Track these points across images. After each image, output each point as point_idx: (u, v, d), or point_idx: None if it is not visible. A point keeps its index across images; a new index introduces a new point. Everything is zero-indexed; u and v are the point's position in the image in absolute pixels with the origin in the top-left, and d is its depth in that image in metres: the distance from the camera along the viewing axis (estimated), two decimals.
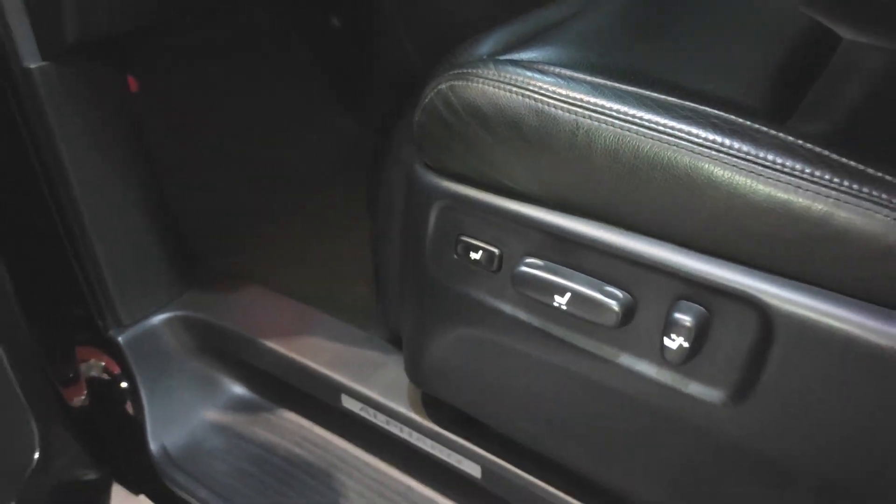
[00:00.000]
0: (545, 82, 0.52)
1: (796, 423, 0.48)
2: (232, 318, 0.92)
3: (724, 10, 0.78)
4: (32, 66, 0.74)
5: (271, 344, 0.88)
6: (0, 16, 0.71)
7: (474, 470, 0.76)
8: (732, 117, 0.48)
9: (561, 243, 0.54)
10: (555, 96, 0.51)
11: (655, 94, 0.50)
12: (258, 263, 1.02)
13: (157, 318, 0.93)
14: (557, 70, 0.53)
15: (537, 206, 0.55)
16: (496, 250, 0.58)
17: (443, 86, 0.56)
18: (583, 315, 0.53)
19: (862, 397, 0.46)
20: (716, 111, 0.49)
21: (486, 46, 0.63)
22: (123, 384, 0.93)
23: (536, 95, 0.51)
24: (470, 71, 0.54)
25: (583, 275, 0.53)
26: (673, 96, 0.50)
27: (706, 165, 0.46)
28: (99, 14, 0.73)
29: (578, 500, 0.69)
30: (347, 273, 1.01)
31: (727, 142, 0.46)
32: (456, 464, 0.77)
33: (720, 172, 0.46)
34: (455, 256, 0.61)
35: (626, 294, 0.52)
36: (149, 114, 0.95)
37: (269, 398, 0.95)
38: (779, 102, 0.61)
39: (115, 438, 0.95)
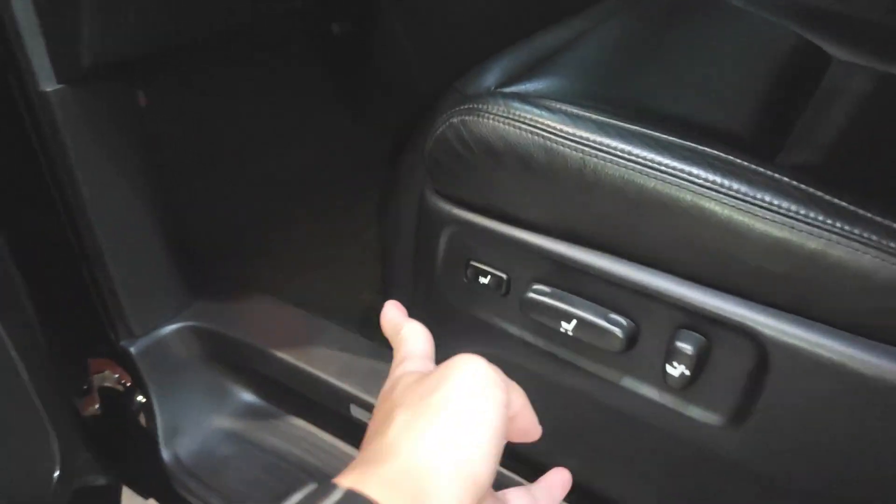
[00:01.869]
0: (553, 120, 0.54)
1: (789, 444, 0.51)
2: (241, 327, 0.95)
3: (717, 33, 0.80)
4: (48, 89, 0.76)
5: (280, 354, 0.90)
6: (17, 40, 0.73)
7: None
8: (730, 157, 0.51)
9: (567, 271, 0.57)
10: (562, 134, 0.53)
11: (657, 134, 0.53)
12: (265, 271, 1.05)
13: (168, 329, 0.95)
14: (564, 107, 0.56)
15: (545, 236, 0.57)
16: (504, 275, 0.61)
17: (454, 119, 0.58)
18: (588, 340, 0.56)
19: (849, 422, 0.49)
20: (713, 151, 0.51)
21: (492, 77, 0.66)
22: (136, 395, 0.95)
23: (545, 133, 0.54)
24: (480, 107, 0.57)
25: (588, 302, 0.56)
26: (673, 135, 0.53)
27: (706, 204, 0.49)
28: (115, 39, 0.75)
29: None
30: (354, 279, 1.03)
31: (725, 182, 0.49)
32: None
33: (719, 211, 0.49)
34: (465, 280, 0.63)
35: (630, 321, 0.55)
36: (157, 126, 0.97)
37: (280, 405, 0.98)
38: (770, 131, 0.64)
39: (127, 446, 0.98)
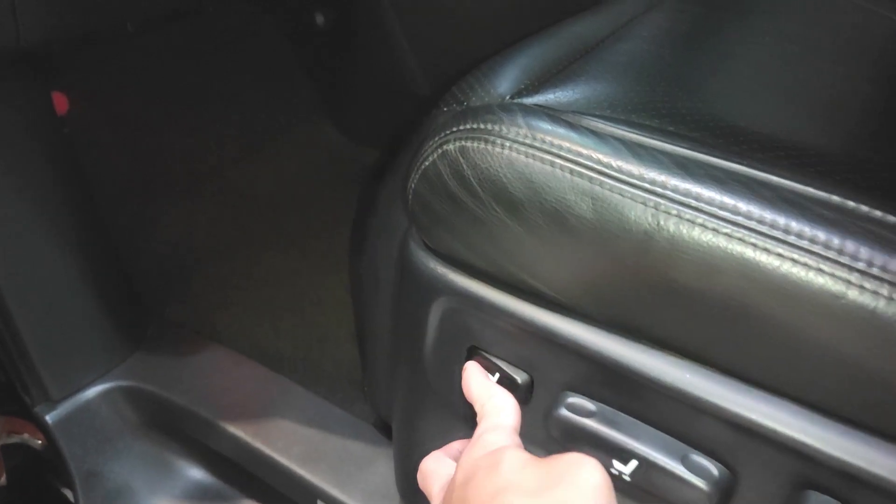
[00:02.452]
0: (604, 152, 0.35)
1: None
2: (186, 390, 0.76)
3: (800, 23, 0.61)
4: None
5: (232, 429, 0.72)
6: None
7: None
8: None
9: (622, 381, 0.37)
10: (621, 176, 0.34)
11: (770, 177, 0.34)
12: (221, 314, 0.86)
13: (95, 391, 0.76)
14: (618, 131, 0.37)
15: (587, 324, 0.38)
16: (524, 376, 0.41)
17: (450, 146, 0.39)
18: (655, 492, 0.36)
19: None
20: (865, 208, 0.32)
21: (506, 81, 0.46)
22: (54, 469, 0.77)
23: (593, 174, 0.34)
24: (489, 127, 0.38)
25: (656, 431, 0.37)
26: (794, 179, 0.34)
27: (864, 300, 0.29)
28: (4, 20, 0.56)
29: None
30: (331, 324, 0.85)
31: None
32: None
33: (883, 311, 0.29)
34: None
35: (722, 468, 0.35)
36: (86, 137, 0.78)
37: (234, 485, 0.78)
38: None
39: None
